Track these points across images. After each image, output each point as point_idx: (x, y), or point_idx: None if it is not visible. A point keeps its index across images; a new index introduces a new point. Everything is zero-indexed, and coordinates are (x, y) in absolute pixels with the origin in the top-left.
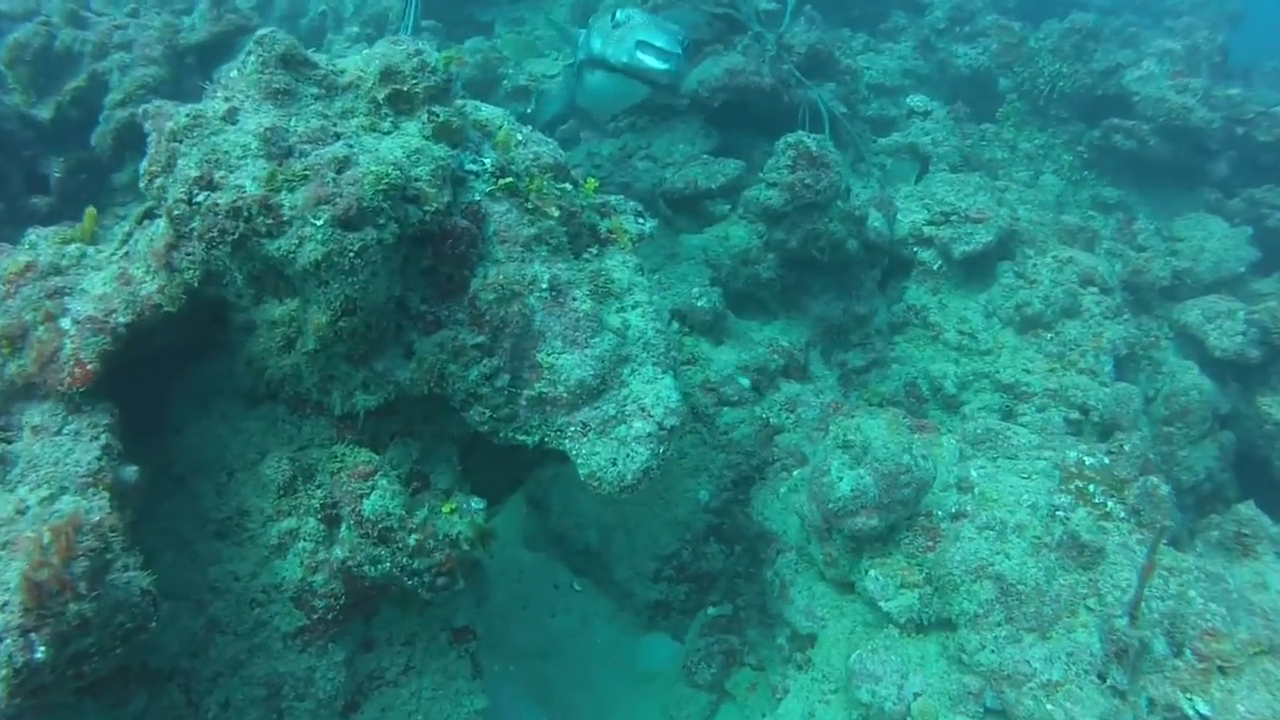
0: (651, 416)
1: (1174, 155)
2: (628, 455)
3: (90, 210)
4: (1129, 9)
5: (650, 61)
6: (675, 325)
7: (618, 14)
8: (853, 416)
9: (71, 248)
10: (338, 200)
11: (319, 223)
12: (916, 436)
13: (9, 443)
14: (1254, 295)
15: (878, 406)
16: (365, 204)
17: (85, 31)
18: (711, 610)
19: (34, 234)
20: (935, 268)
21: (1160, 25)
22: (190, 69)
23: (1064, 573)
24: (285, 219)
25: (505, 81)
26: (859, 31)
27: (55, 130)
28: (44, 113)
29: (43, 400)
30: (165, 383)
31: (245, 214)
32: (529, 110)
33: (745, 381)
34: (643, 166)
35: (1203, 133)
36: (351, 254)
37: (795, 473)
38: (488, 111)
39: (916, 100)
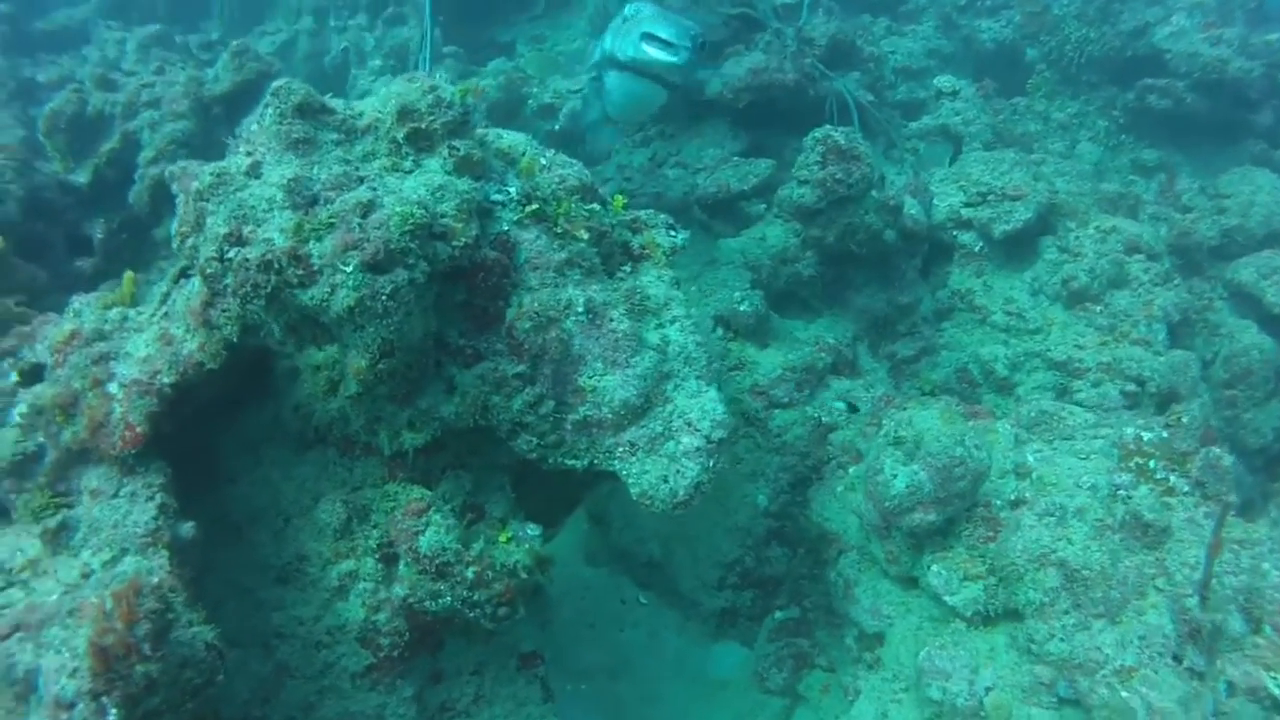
0: (699, 431)
1: (1213, 110)
2: (678, 472)
3: (129, 274)
4: None
5: (655, 53)
6: (720, 331)
7: (627, 9)
8: (904, 409)
9: (113, 312)
10: (365, 245)
11: (348, 269)
12: (970, 424)
13: (70, 507)
14: None
15: (929, 396)
16: (393, 246)
17: (114, 94)
18: (779, 614)
19: (78, 301)
20: (977, 250)
21: None
22: (218, 119)
23: (1129, 554)
24: (315, 268)
25: (531, 101)
26: (880, 16)
27: (94, 192)
28: (81, 177)
29: (98, 464)
30: (216, 434)
31: (276, 266)
32: (557, 128)
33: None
34: (674, 175)
35: (1242, 83)
36: (384, 297)
37: (851, 470)
38: (510, 139)
39: (944, 81)
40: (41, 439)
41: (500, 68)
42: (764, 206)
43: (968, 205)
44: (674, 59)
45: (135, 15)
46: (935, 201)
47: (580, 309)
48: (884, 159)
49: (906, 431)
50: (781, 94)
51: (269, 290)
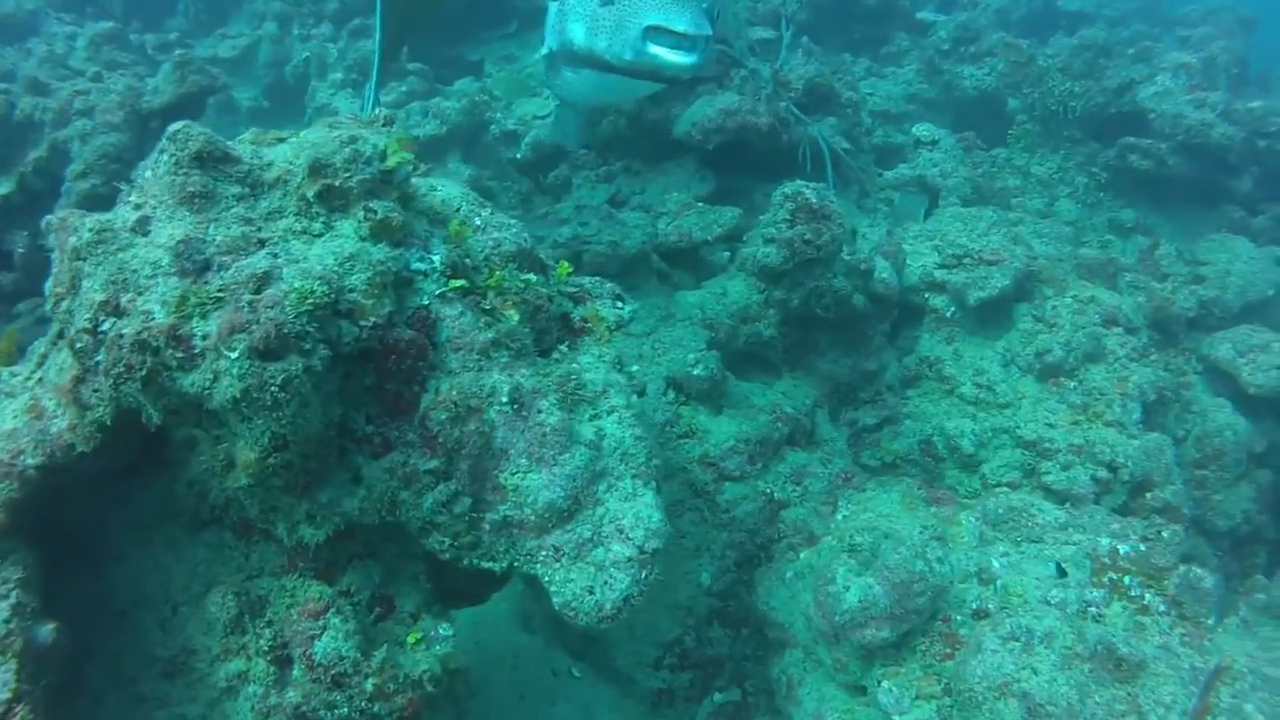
0: (631, 540)
1: (1194, 173)
2: (606, 583)
3: (9, 330)
4: (1138, 19)
5: (669, 57)
6: (671, 394)
7: None
8: (864, 490)
9: None
10: (254, 328)
11: (234, 355)
12: (933, 512)
13: None
14: None
15: (889, 475)
16: (287, 330)
17: (46, 99)
18: (718, 697)
19: None
20: (949, 315)
21: (1171, 34)
22: (154, 134)
23: (1100, 688)
24: (197, 350)
25: (494, 126)
26: (860, 56)
27: (21, 202)
28: (3, 187)
29: None
30: (103, 506)
31: (153, 346)
32: (519, 156)
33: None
34: (634, 220)
35: (1224, 149)
36: (274, 388)
37: (802, 555)
38: (444, 194)
39: (923, 129)
40: None
41: (466, 89)
42: (727, 256)
43: (942, 267)
44: (689, 59)
45: (90, 10)
46: (908, 261)
47: (505, 399)
48: (856, 209)
49: (863, 539)
50: (754, 137)
51: (144, 373)
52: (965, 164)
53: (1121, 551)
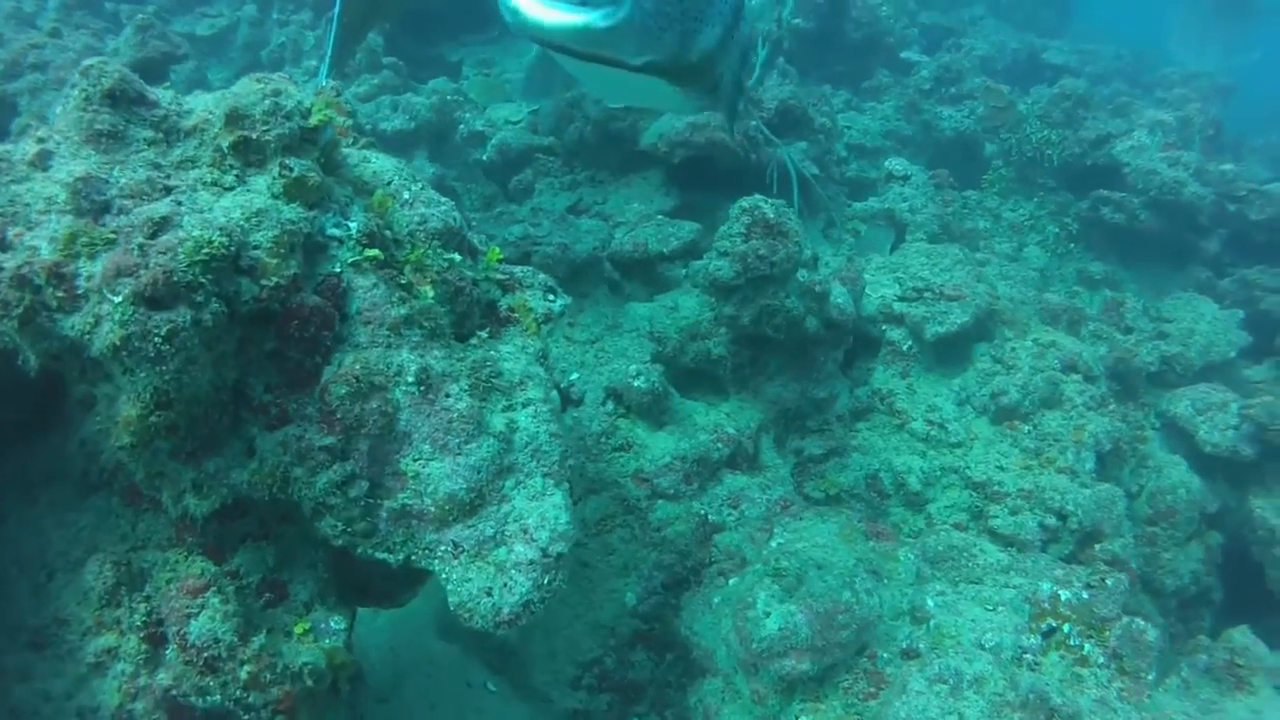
0: (535, 541)
1: (1164, 230)
2: (505, 585)
3: None
4: (1119, 77)
5: (552, 15)
6: (610, 405)
7: None
8: (801, 519)
9: None
10: (141, 272)
11: (117, 299)
12: (871, 545)
13: None
14: (1245, 382)
15: (832, 501)
16: (176, 278)
17: None
18: None
19: None
20: (905, 349)
21: (1151, 95)
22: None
23: None
24: (80, 292)
25: (462, 126)
26: (840, 88)
27: None
28: None
29: None
30: None
31: (33, 284)
32: (485, 158)
33: None
34: (588, 226)
35: (1194, 208)
36: (158, 339)
37: (731, 581)
38: (378, 165)
39: (896, 164)
40: None
41: (440, 87)
42: (684, 272)
43: (901, 299)
44: (587, 20)
45: None
46: (868, 291)
47: (411, 379)
48: (822, 237)
49: (788, 563)
50: (722, 154)
51: (20, 311)
52: (936, 201)
53: (1063, 598)
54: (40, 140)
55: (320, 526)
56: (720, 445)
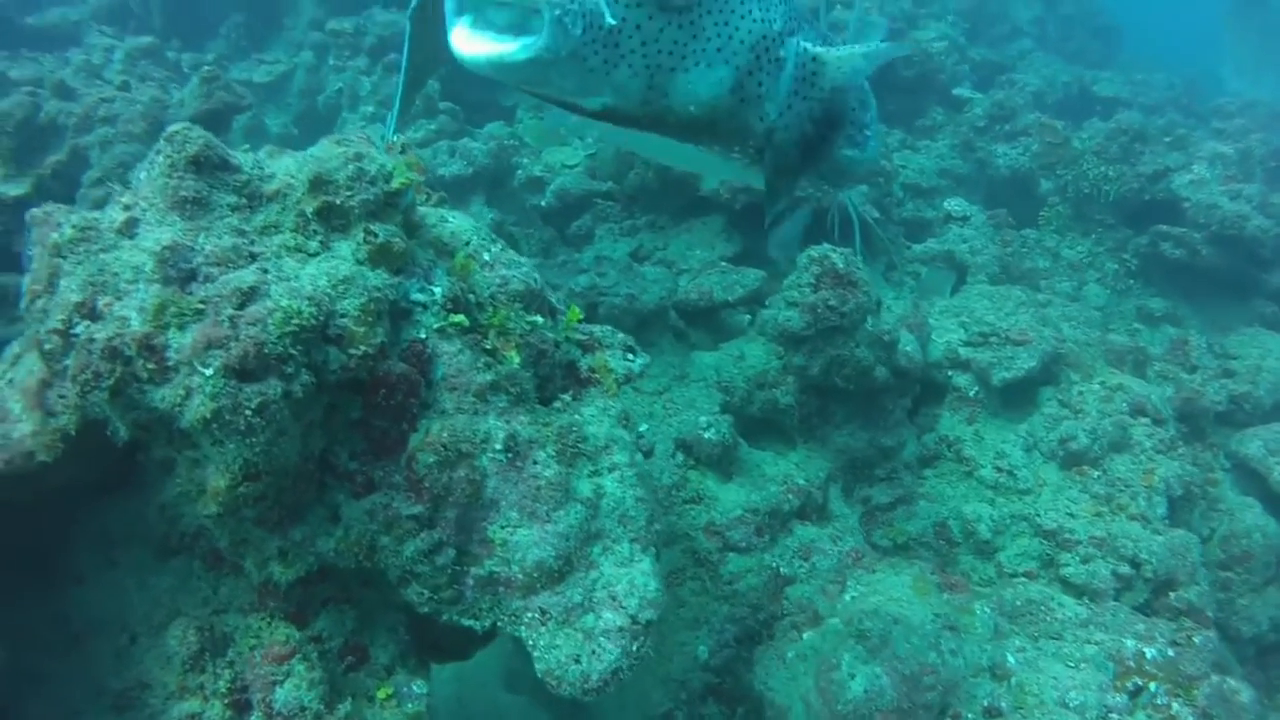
0: (624, 608)
1: (1226, 265)
2: (594, 652)
3: None
4: (1172, 108)
5: (478, 45)
6: (680, 457)
7: None
8: (874, 571)
9: None
10: (232, 345)
11: (208, 372)
12: (945, 598)
13: None
14: None
15: (901, 556)
16: (268, 350)
17: (71, 103)
18: None
19: None
20: (972, 394)
21: (1207, 126)
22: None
23: None
24: (170, 363)
25: (520, 171)
26: (895, 128)
27: (34, 205)
28: (17, 189)
29: None
30: (67, 522)
31: (124, 355)
32: (543, 204)
33: None
34: (653, 275)
35: (1258, 242)
36: (249, 412)
37: (806, 635)
38: (455, 225)
39: (954, 204)
40: None
41: (496, 131)
42: (748, 319)
43: (967, 345)
44: (503, 51)
45: (132, 24)
46: (933, 336)
47: (499, 446)
48: (883, 280)
49: (872, 624)
50: None
51: (112, 383)
52: (995, 242)
53: (1148, 655)
54: (126, 208)
55: (406, 593)
56: (791, 497)
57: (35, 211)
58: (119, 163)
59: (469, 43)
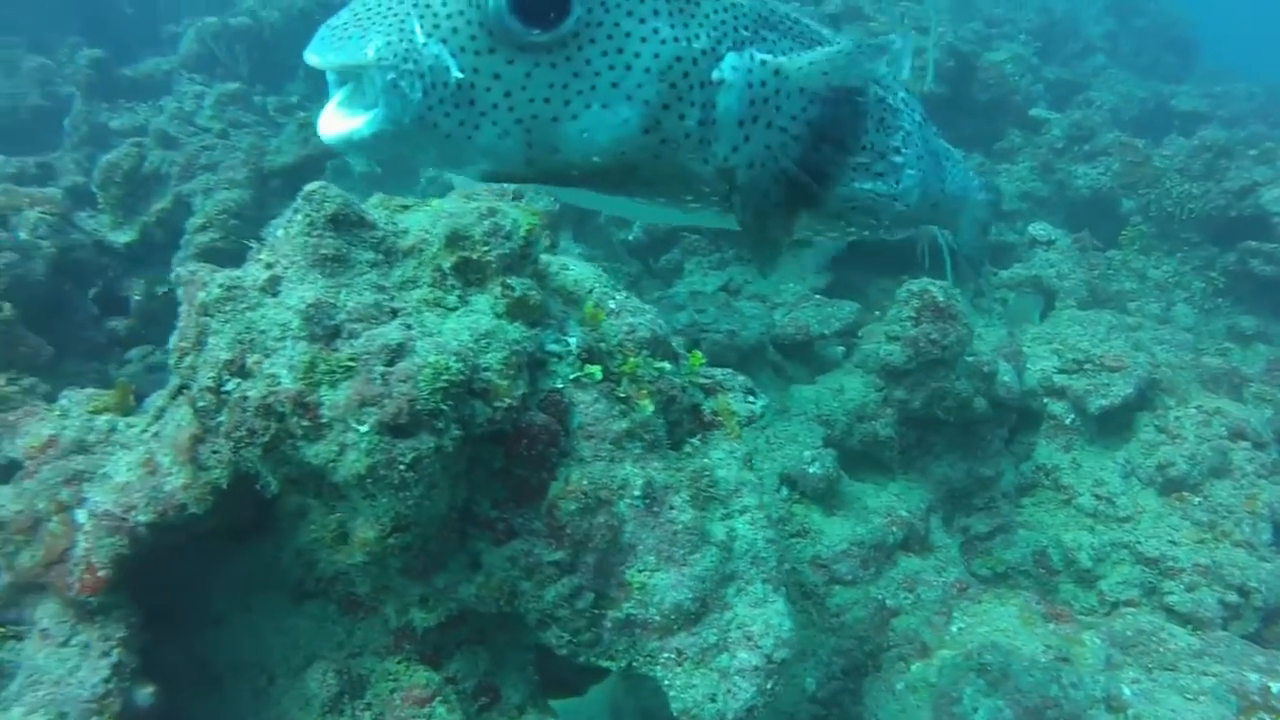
0: (759, 648)
1: None
2: (729, 691)
3: (122, 381)
4: (1255, 119)
5: (324, 124)
6: (784, 491)
7: None
8: (979, 603)
9: (102, 420)
10: (385, 402)
11: (363, 429)
12: (1052, 628)
13: (19, 639)
14: None
15: (1001, 579)
16: (420, 406)
17: (174, 152)
18: None
19: (67, 398)
20: (1068, 422)
21: None
22: (275, 192)
23: None
24: (324, 420)
25: None
26: (974, 152)
27: (139, 251)
28: (125, 236)
29: (54, 598)
30: (205, 567)
31: (278, 412)
32: (630, 238)
33: None
34: (751, 310)
35: None
36: (403, 466)
37: (914, 666)
38: (577, 272)
39: (1039, 229)
40: None
41: None
42: (842, 350)
43: (1061, 372)
44: (351, 130)
45: (219, 71)
46: (1027, 364)
47: (638, 492)
48: (971, 307)
49: (992, 658)
50: None
51: (266, 439)
52: (1082, 265)
53: (1274, 690)
54: (269, 265)
55: (545, 636)
56: (894, 529)
57: (181, 271)
58: (222, 208)
59: (324, 121)
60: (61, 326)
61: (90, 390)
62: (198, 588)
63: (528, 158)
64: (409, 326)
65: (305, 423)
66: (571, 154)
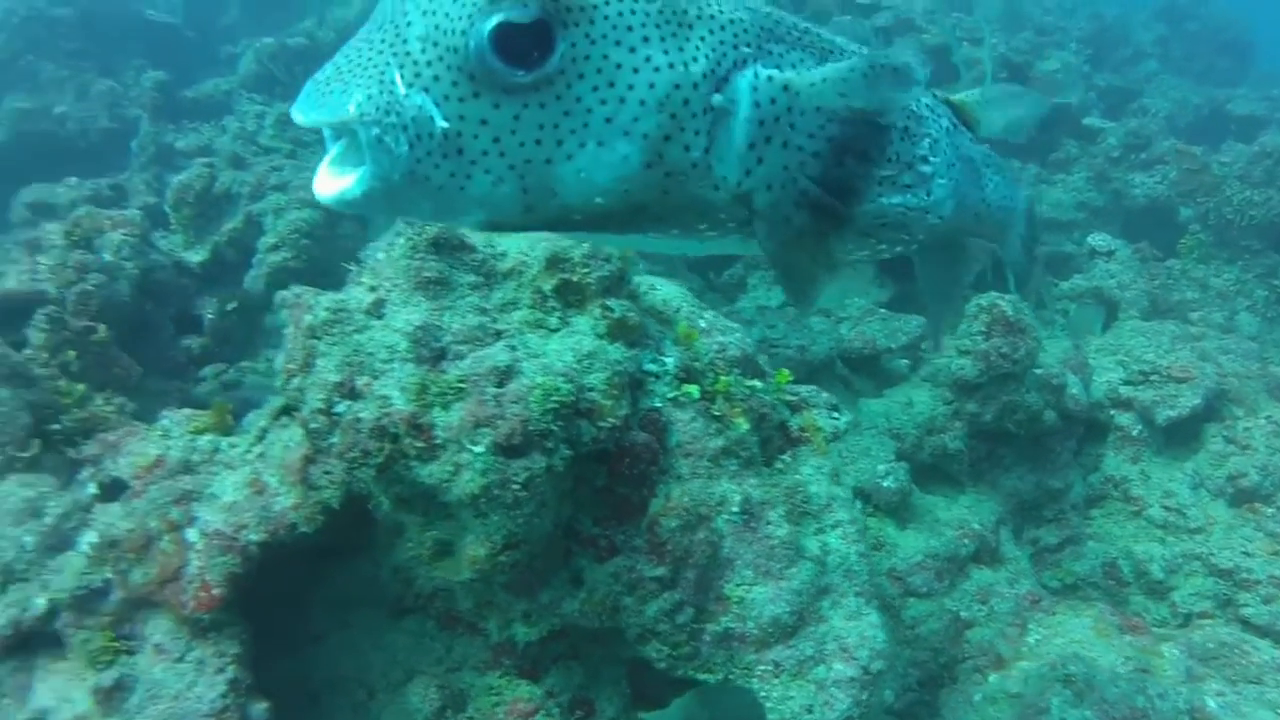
0: (855, 659)
1: None
2: (826, 703)
3: (219, 403)
4: None
5: (323, 184)
6: (859, 505)
7: None
8: (1053, 614)
9: (204, 440)
10: (499, 423)
11: (478, 449)
12: (1128, 639)
13: (131, 654)
14: None
15: (1071, 590)
16: (532, 427)
17: (244, 173)
18: None
19: (168, 418)
20: (1135, 434)
21: None
22: (345, 213)
23: None
24: (438, 441)
25: None
26: (1029, 163)
27: (211, 271)
28: (200, 254)
29: (166, 614)
30: (305, 583)
31: (391, 434)
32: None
33: None
34: (819, 325)
35: None
36: (516, 486)
37: (991, 677)
38: (664, 292)
39: (1099, 239)
40: (109, 574)
41: None
42: (907, 364)
43: (1128, 384)
44: (343, 190)
45: (278, 90)
46: (1093, 376)
47: (736, 509)
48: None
49: (1077, 669)
50: None
51: (380, 460)
52: (1142, 276)
53: None
54: (372, 289)
55: (644, 650)
56: (967, 541)
57: (285, 294)
58: (293, 228)
59: (318, 181)
60: (145, 346)
61: (189, 411)
62: (297, 605)
63: (525, 204)
64: (513, 348)
65: (419, 444)
66: (570, 197)
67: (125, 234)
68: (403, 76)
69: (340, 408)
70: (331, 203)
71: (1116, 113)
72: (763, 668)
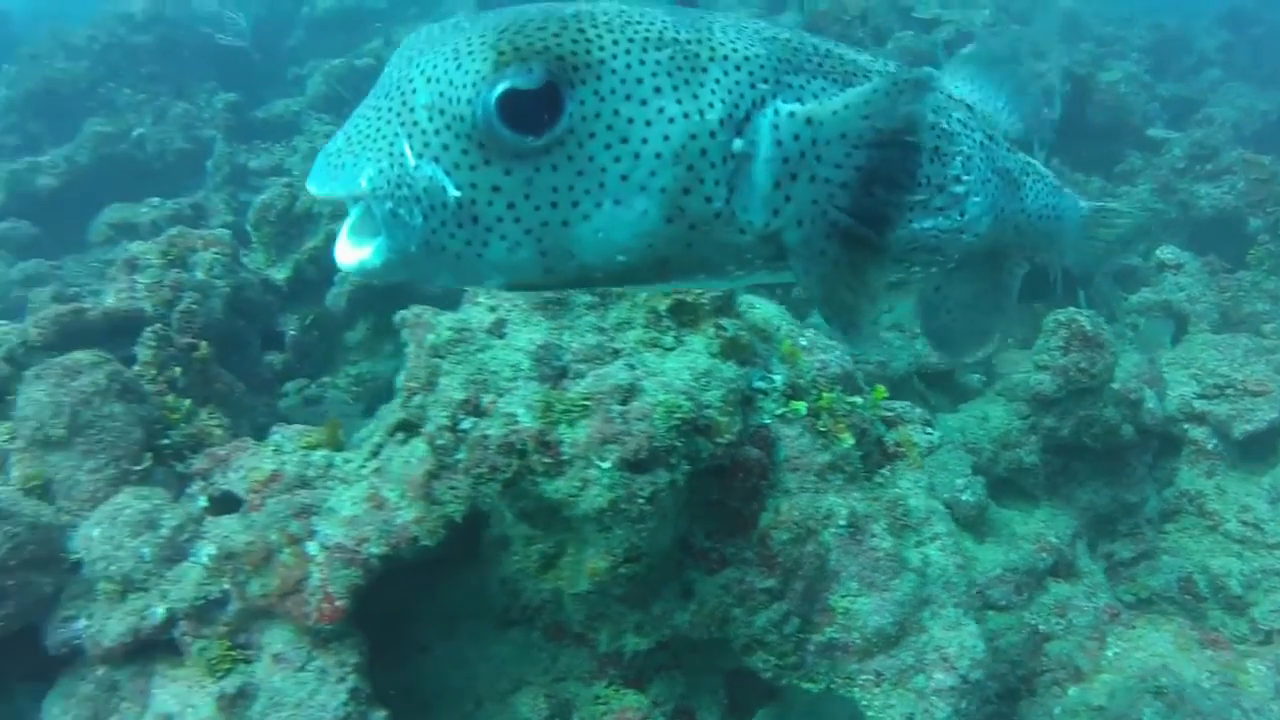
0: (955, 669)
1: None
2: (926, 711)
3: (332, 420)
4: None
5: (344, 254)
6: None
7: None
8: (1133, 628)
9: (318, 455)
10: (626, 439)
11: (605, 465)
12: (1210, 654)
13: (249, 663)
14: None
15: (1146, 605)
16: (657, 443)
17: None
18: None
19: (279, 433)
20: (1210, 447)
21: None
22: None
23: None
24: (565, 458)
25: None
26: (1093, 175)
27: (295, 288)
28: (281, 273)
29: (285, 624)
30: (413, 595)
31: (519, 450)
32: None
33: None
34: (897, 341)
35: None
36: (641, 500)
37: (1071, 691)
38: (763, 310)
39: (1167, 252)
40: (227, 585)
41: None
42: (979, 378)
43: (1202, 397)
44: (362, 260)
45: (345, 110)
46: (1166, 390)
47: (843, 522)
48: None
49: (1167, 681)
50: None
51: (508, 476)
52: (1212, 288)
53: None
54: (492, 309)
55: (751, 660)
56: (1044, 555)
57: (405, 314)
58: None
59: (339, 250)
60: (236, 362)
61: (300, 426)
62: (404, 617)
63: (544, 267)
64: (632, 366)
65: (546, 460)
66: (590, 257)
67: (217, 252)
68: (412, 147)
69: (466, 424)
70: (353, 272)
71: (1181, 122)
72: (865, 677)
